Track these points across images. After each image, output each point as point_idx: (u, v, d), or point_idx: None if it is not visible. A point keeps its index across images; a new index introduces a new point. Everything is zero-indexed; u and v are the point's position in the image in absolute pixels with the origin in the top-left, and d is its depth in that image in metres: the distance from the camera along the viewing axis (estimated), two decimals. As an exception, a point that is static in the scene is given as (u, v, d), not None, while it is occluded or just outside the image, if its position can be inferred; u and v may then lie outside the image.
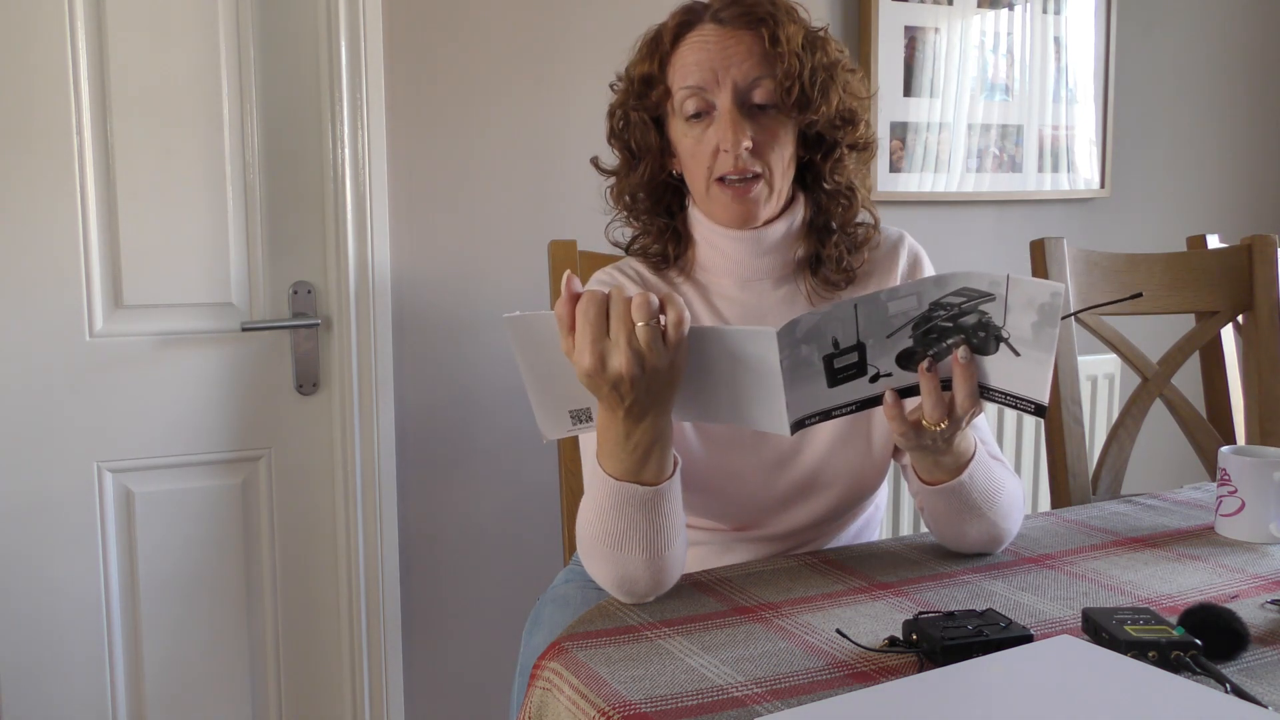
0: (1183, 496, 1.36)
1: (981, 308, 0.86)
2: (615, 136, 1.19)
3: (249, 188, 1.75)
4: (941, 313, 0.86)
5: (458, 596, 1.93)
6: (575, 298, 0.86)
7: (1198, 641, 0.80)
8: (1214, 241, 1.98)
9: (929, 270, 1.21)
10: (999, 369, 0.90)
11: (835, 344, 0.85)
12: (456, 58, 1.84)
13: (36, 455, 1.66)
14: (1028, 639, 0.82)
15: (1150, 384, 1.63)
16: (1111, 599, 0.98)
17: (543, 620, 1.21)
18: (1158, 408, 1.70)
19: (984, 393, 0.92)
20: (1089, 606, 0.93)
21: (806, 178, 1.17)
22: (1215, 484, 1.24)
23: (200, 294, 1.73)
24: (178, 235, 1.71)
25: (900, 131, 2.24)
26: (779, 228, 1.15)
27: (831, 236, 1.16)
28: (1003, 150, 2.37)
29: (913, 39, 2.22)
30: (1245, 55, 2.72)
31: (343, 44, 1.74)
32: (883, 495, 1.26)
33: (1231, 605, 0.89)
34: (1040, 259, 1.58)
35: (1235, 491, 1.16)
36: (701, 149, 1.10)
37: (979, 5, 2.30)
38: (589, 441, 1.09)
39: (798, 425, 0.86)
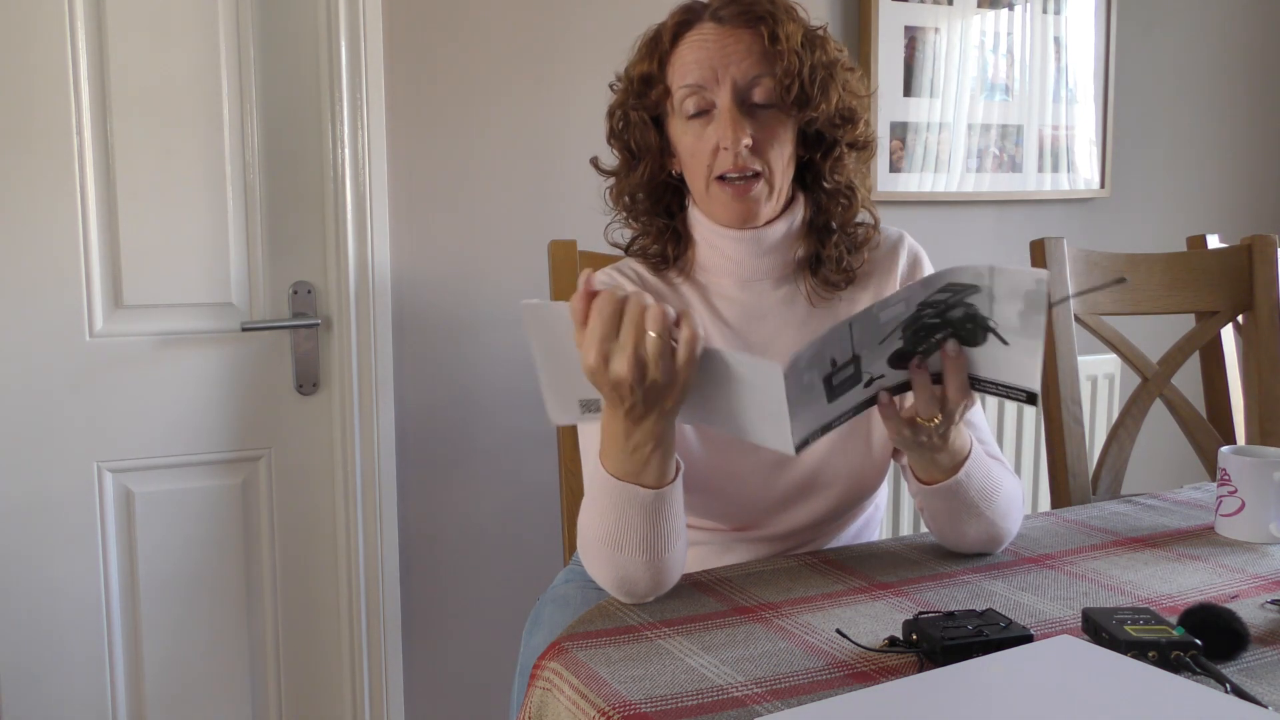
0: (1183, 496, 1.36)
1: (967, 300, 0.86)
2: (615, 137, 1.19)
3: (249, 188, 1.75)
4: (929, 310, 0.86)
5: (458, 596, 1.93)
6: (592, 294, 0.85)
7: (1198, 641, 0.80)
8: (1214, 241, 1.98)
9: (929, 271, 1.21)
10: (988, 359, 0.90)
11: (833, 363, 0.86)
12: (456, 58, 1.84)
13: (36, 455, 1.66)
14: (1028, 639, 0.82)
15: (1150, 384, 1.63)
16: (1111, 599, 0.98)
17: (543, 620, 1.21)
18: (1158, 408, 1.70)
19: (976, 384, 0.93)
20: (1089, 606, 0.93)
21: (806, 177, 1.17)
22: (1215, 484, 1.24)
23: (200, 294, 1.73)
24: (178, 235, 1.71)
25: (900, 131, 2.24)
26: (779, 227, 1.15)
27: (831, 236, 1.16)
28: (1003, 150, 2.37)
29: (913, 39, 2.22)
30: (1245, 55, 2.72)
31: (343, 44, 1.74)
32: (883, 495, 1.26)
33: (1231, 605, 0.89)
34: (1040, 259, 1.58)
35: (1235, 491, 1.16)
36: (701, 147, 1.10)
37: (979, 5, 2.30)
38: (589, 443, 1.09)
39: (802, 445, 0.86)
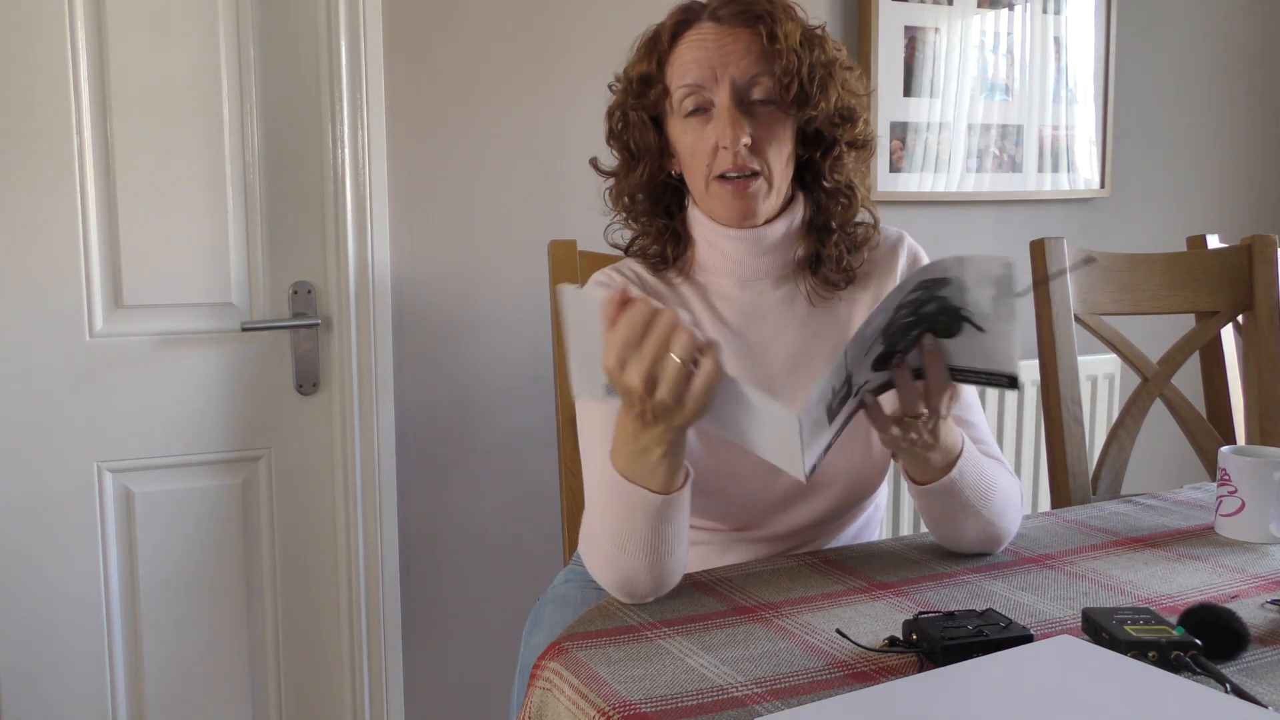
0: (1183, 496, 1.36)
1: (939, 294, 0.86)
2: (614, 137, 1.19)
3: (249, 188, 1.75)
4: (904, 311, 0.87)
5: (458, 596, 1.93)
6: (626, 301, 0.85)
7: (1198, 641, 0.80)
8: (1214, 241, 1.98)
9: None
10: (966, 349, 0.90)
11: (834, 390, 0.87)
12: (456, 58, 1.84)
13: (36, 455, 1.66)
14: (1028, 639, 0.82)
15: (1150, 384, 1.63)
16: (1111, 599, 0.98)
17: (543, 620, 1.21)
18: (1158, 408, 1.70)
19: (957, 375, 0.93)
20: (1089, 606, 0.93)
21: (806, 177, 1.17)
22: (1215, 484, 1.24)
23: (200, 294, 1.73)
24: (178, 235, 1.71)
25: (900, 131, 2.24)
26: (778, 227, 1.15)
27: (831, 236, 1.16)
28: (1003, 150, 2.37)
29: (913, 39, 2.22)
30: (1245, 55, 2.72)
31: (343, 44, 1.74)
32: (883, 495, 1.26)
33: (1231, 605, 0.89)
34: (1040, 259, 1.58)
35: (1235, 491, 1.16)
36: (701, 146, 1.10)
37: (979, 5, 2.30)
38: (589, 445, 1.09)
39: (811, 471, 0.87)
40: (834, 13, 2.17)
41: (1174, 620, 0.85)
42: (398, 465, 1.85)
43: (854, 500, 1.18)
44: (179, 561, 1.76)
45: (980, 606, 0.94)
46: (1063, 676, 0.72)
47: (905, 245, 1.21)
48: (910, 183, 2.26)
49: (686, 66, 1.10)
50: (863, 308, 1.18)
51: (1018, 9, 2.35)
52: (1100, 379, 2.46)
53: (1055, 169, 2.44)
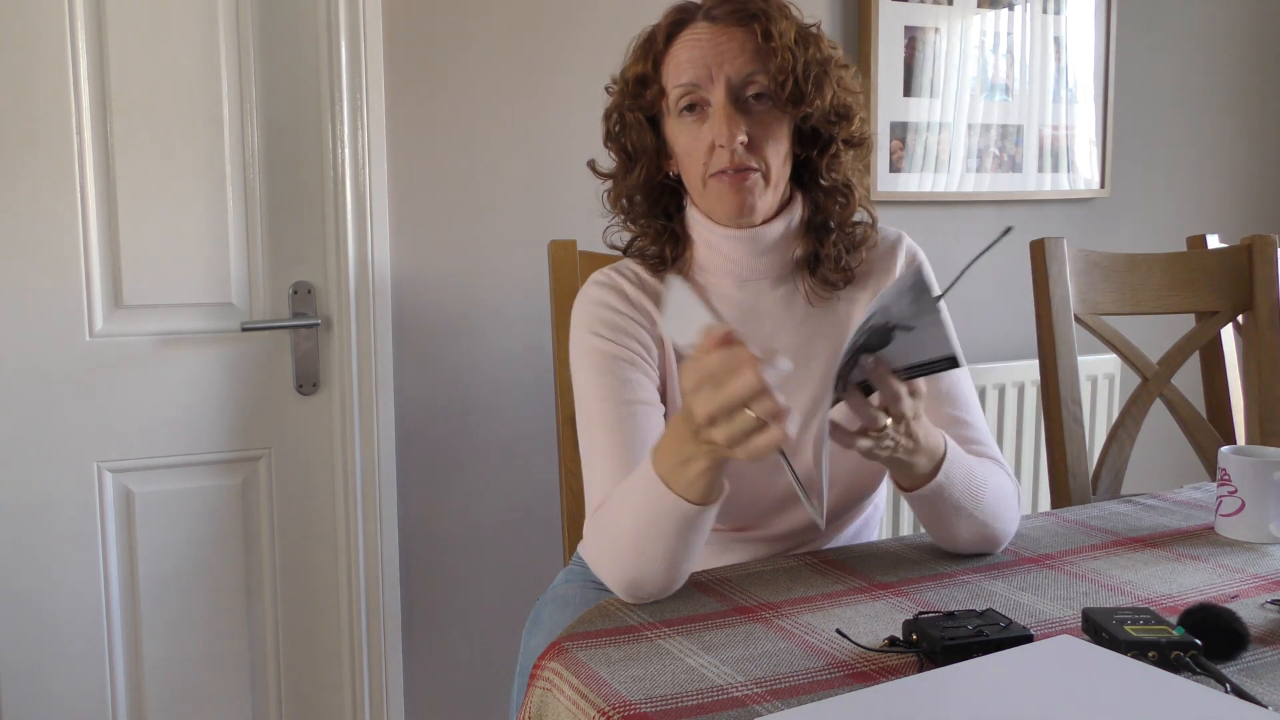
0: (1183, 496, 1.36)
1: (871, 325, 0.88)
2: (611, 139, 1.19)
3: (249, 188, 1.75)
4: (848, 357, 0.90)
5: (458, 596, 1.93)
6: (729, 340, 0.82)
7: (1198, 641, 0.80)
8: (1214, 241, 1.98)
9: (927, 271, 1.21)
10: (904, 350, 0.91)
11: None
12: (456, 58, 1.84)
13: (36, 455, 1.66)
14: (1028, 639, 0.82)
15: (1150, 384, 1.63)
16: (1111, 599, 0.98)
17: (543, 620, 1.21)
18: (1158, 408, 1.70)
19: (909, 374, 0.94)
20: (1089, 606, 0.93)
21: (803, 176, 1.17)
22: (1215, 484, 1.24)
23: (200, 294, 1.73)
24: (178, 235, 1.71)
25: (900, 131, 2.24)
26: (777, 227, 1.15)
27: (830, 235, 1.16)
28: (1003, 150, 2.37)
29: (913, 39, 2.22)
30: (1245, 55, 2.72)
31: (343, 44, 1.74)
32: (882, 495, 1.26)
33: (1231, 605, 0.89)
34: (1040, 259, 1.58)
35: (1235, 491, 1.16)
36: (697, 145, 1.10)
37: (979, 5, 2.30)
38: (591, 446, 1.09)
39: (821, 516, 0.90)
40: (834, 12, 2.17)
41: (1174, 620, 0.85)
42: (398, 465, 1.85)
43: (853, 500, 1.18)
44: (179, 561, 1.76)
45: (980, 606, 0.94)
46: (1063, 676, 0.72)
47: (904, 245, 1.21)
48: (910, 183, 2.26)
49: (682, 66, 1.10)
50: (861, 308, 1.18)
51: (1018, 9, 2.35)
52: (1100, 379, 2.46)
53: (1055, 169, 2.44)
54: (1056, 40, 2.41)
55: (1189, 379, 1.93)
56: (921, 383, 0.95)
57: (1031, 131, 2.40)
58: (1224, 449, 1.18)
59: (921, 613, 0.88)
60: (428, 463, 1.88)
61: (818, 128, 1.13)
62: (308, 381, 1.82)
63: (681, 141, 1.12)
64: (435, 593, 1.91)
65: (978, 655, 0.77)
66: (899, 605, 0.96)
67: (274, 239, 1.77)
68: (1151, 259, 1.66)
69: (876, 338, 0.90)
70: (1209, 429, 1.66)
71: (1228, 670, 0.81)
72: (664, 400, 1.15)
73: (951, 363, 0.91)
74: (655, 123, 1.16)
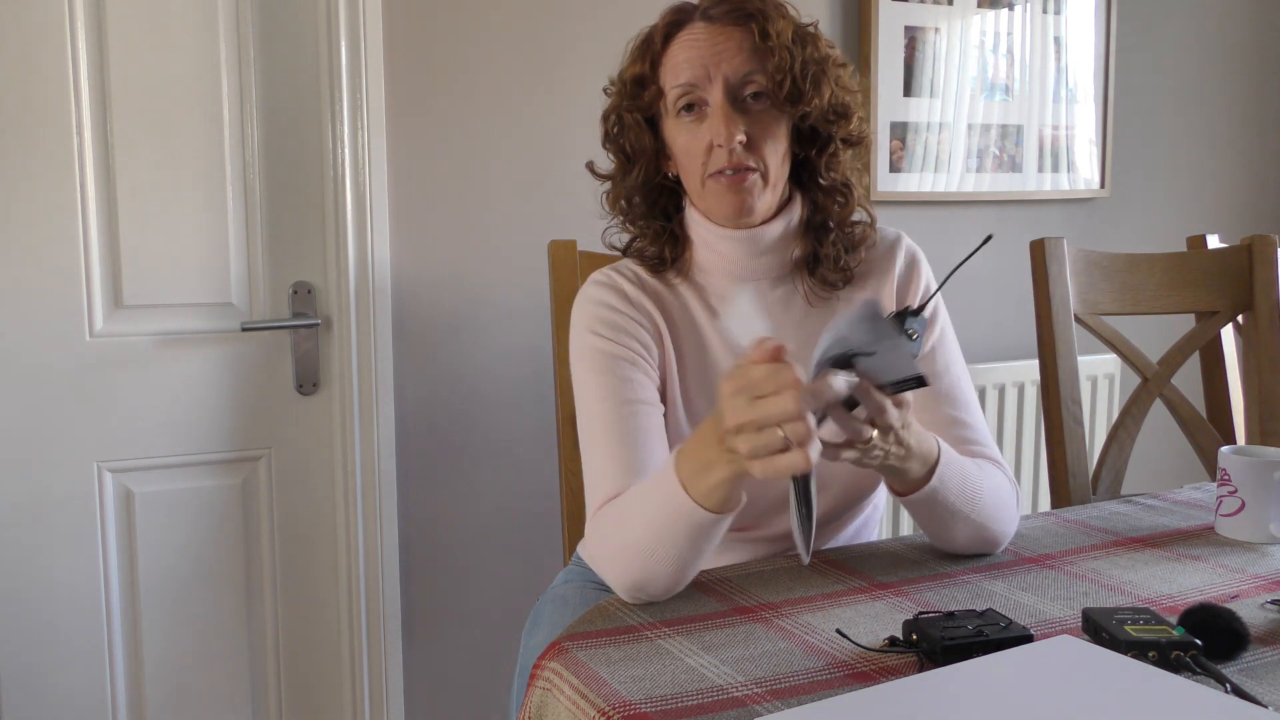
0: (1183, 496, 1.36)
1: (830, 356, 0.88)
2: (610, 141, 1.19)
3: (249, 188, 1.75)
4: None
5: (458, 596, 1.93)
6: (778, 357, 0.81)
7: (1198, 641, 0.80)
8: (1214, 241, 1.98)
9: (926, 270, 1.21)
10: (870, 373, 0.90)
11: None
12: (456, 58, 1.84)
13: (36, 455, 1.66)
14: (1028, 639, 0.82)
15: (1150, 384, 1.63)
16: (1111, 599, 0.98)
17: (543, 620, 1.21)
18: (1158, 408, 1.70)
19: (896, 389, 0.92)
20: (1089, 606, 0.93)
21: (802, 176, 1.17)
22: (1215, 484, 1.24)
23: (200, 294, 1.73)
24: (178, 235, 1.71)
25: (900, 131, 2.24)
26: (776, 227, 1.15)
27: (829, 235, 1.16)
28: (1003, 150, 2.37)
29: (913, 39, 2.22)
30: (1245, 55, 2.72)
31: (343, 44, 1.74)
32: (881, 495, 1.26)
33: (1231, 605, 0.89)
34: (1040, 259, 1.58)
35: (1235, 491, 1.16)
36: (695, 146, 1.10)
37: (979, 5, 2.30)
38: (591, 445, 1.09)
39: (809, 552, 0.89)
40: (834, 13, 2.17)
41: (1174, 620, 0.85)
42: (398, 465, 1.85)
43: (852, 501, 1.18)
44: (179, 561, 1.76)
45: (980, 606, 0.94)
46: (1063, 676, 0.72)
47: (903, 245, 1.21)
48: (910, 183, 2.26)
49: (680, 67, 1.10)
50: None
51: (1018, 9, 2.35)
52: (1100, 379, 2.46)
53: (1055, 169, 2.44)
54: (1056, 40, 2.41)
55: (1189, 379, 1.93)
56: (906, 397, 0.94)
57: (1031, 131, 2.40)
58: (1224, 449, 1.18)
59: (921, 613, 0.88)
60: (428, 463, 1.88)
61: (816, 127, 1.13)
62: (308, 381, 1.82)
63: (680, 142, 1.12)
64: (435, 593, 1.91)
65: (978, 655, 0.77)
66: (899, 605, 0.96)
67: (274, 239, 1.77)
68: (1151, 259, 1.66)
69: (839, 366, 0.89)
70: (1209, 429, 1.66)
71: (1228, 670, 0.81)
72: (664, 400, 1.15)
73: (919, 382, 0.90)
74: (653, 123, 1.16)
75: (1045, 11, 2.39)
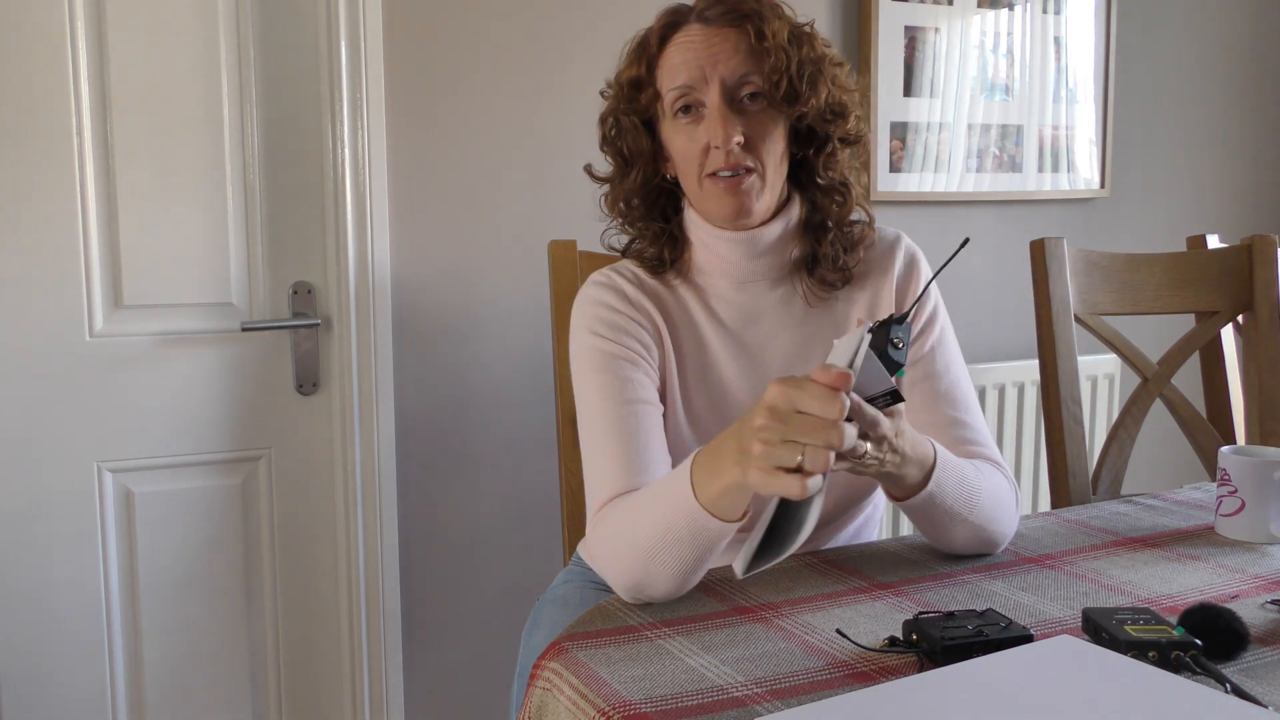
0: (1183, 496, 1.36)
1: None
2: (607, 143, 1.19)
3: (249, 188, 1.75)
4: None
5: (458, 596, 1.93)
6: (839, 386, 0.80)
7: (1198, 641, 0.80)
8: (1214, 241, 1.98)
9: (925, 270, 1.21)
10: (857, 387, 0.89)
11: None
12: (456, 58, 1.84)
13: (36, 455, 1.66)
14: (1028, 639, 0.82)
15: (1150, 384, 1.63)
16: (1111, 599, 0.98)
17: (543, 620, 1.21)
18: (1158, 408, 1.70)
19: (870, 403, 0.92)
20: (1089, 606, 0.93)
21: (800, 176, 1.17)
22: (1215, 484, 1.24)
23: (200, 294, 1.73)
24: (178, 235, 1.71)
25: (900, 131, 2.24)
26: (774, 228, 1.15)
27: (827, 235, 1.16)
28: (1003, 150, 2.37)
29: (913, 39, 2.22)
30: (1245, 55, 2.72)
31: (343, 44, 1.74)
32: (881, 495, 1.26)
33: (1231, 605, 0.89)
34: (1040, 259, 1.58)
35: (1235, 491, 1.16)
36: (693, 147, 1.10)
37: (979, 5, 2.30)
38: (591, 445, 1.09)
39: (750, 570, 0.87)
40: (834, 13, 2.17)
41: (1174, 620, 0.85)
42: (398, 465, 1.85)
43: (849, 503, 1.18)
44: (179, 561, 1.76)
45: (980, 606, 0.94)
46: (1063, 676, 0.72)
47: (902, 245, 1.21)
48: (910, 183, 2.26)
49: (676, 68, 1.10)
50: (859, 308, 1.18)
51: (1018, 9, 2.35)
52: (1100, 379, 2.46)
53: (1055, 169, 2.44)
54: (1056, 40, 2.41)
55: (1189, 379, 1.93)
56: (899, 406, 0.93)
57: (1031, 131, 2.40)
58: (1224, 449, 1.18)
59: (921, 613, 0.88)
60: (428, 463, 1.88)
61: (813, 126, 1.13)
62: (308, 381, 1.82)
63: (677, 144, 1.12)
64: (435, 593, 1.91)
65: (978, 655, 0.77)
66: (899, 605, 0.96)
67: (274, 239, 1.77)
68: (1151, 259, 1.66)
69: None
70: (1209, 429, 1.66)
71: (1228, 670, 0.81)
72: (663, 400, 1.15)
73: (894, 398, 0.90)
74: (651, 126, 1.16)
75: (1045, 11, 2.39)
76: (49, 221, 1.63)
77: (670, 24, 1.12)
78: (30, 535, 1.66)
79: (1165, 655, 0.79)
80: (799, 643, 0.88)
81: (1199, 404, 1.78)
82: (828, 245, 1.16)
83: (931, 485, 1.00)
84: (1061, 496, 1.58)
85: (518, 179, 1.91)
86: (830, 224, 1.16)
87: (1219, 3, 2.66)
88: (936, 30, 2.25)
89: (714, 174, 1.10)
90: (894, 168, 2.24)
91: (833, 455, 0.79)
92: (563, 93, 1.93)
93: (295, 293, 1.79)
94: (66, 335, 1.66)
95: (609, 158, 1.20)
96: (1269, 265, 1.67)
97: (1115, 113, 2.51)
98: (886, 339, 0.88)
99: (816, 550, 1.15)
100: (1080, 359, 1.91)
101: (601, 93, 1.20)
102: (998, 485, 1.08)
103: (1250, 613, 0.93)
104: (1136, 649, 0.80)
